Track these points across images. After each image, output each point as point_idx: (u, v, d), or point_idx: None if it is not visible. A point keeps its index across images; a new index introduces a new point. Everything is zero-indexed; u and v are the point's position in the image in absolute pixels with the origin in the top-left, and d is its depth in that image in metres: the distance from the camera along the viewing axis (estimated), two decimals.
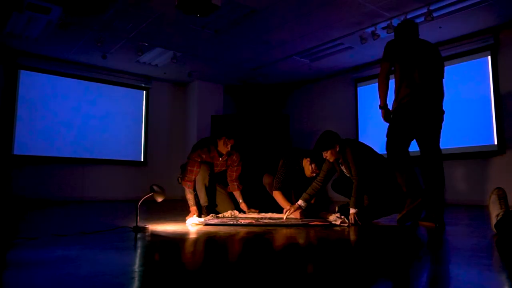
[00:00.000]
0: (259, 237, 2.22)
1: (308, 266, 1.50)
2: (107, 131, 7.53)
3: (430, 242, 2.19)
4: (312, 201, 3.58)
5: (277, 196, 3.57)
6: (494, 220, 2.23)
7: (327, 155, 3.11)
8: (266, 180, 3.97)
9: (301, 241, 2.17)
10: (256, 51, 6.42)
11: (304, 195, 3.24)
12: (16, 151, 6.54)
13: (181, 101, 8.56)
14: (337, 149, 3.08)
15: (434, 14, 4.88)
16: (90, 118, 7.36)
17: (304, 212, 3.32)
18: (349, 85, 7.48)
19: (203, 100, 8.22)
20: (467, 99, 5.79)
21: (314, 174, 3.46)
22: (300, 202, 3.23)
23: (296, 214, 3.27)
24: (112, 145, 7.55)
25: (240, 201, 3.83)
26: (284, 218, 3.16)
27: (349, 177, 3.16)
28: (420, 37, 3.50)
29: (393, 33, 5.31)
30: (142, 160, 7.93)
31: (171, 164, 8.27)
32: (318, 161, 3.41)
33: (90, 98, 7.41)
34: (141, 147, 7.97)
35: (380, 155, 3.26)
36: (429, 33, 5.60)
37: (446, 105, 3.66)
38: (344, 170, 3.17)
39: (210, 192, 3.54)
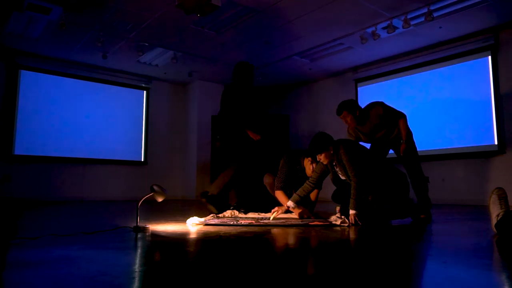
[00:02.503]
0: (259, 237, 2.22)
1: (308, 267, 1.50)
2: (107, 131, 7.54)
3: (430, 242, 2.19)
4: (314, 199, 3.58)
5: (279, 195, 3.56)
6: (494, 220, 2.23)
7: (321, 157, 3.08)
8: (266, 180, 3.96)
9: (300, 241, 2.17)
10: (256, 51, 6.42)
11: (295, 196, 3.22)
12: (16, 151, 6.54)
13: (181, 101, 8.56)
14: (331, 151, 3.06)
15: (434, 14, 4.88)
16: (90, 118, 7.36)
17: (308, 214, 3.30)
18: (349, 85, 7.48)
19: (203, 100, 8.22)
20: (467, 99, 5.80)
21: None
22: (289, 203, 3.21)
23: (297, 213, 3.26)
24: (112, 145, 7.55)
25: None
26: (271, 219, 3.14)
27: (344, 181, 3.13)
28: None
29: (394, 34, 5.33)
30: (142, 160, 7.94)
31: (171, 164, 8.27)
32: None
33: (90, 98, 7.41)
34: (141, 147, 7.97)
35: (376, 154, 3.25)
36: (429, 33, 5.61)
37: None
38: (340, 173, 3.13)
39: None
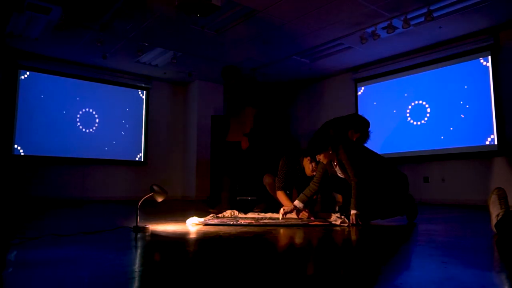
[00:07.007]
0: (259, 237, 2.22)
1: (308, 267, 1.50)
2: (107, 131, 7.53)
3: (429, 242, 2.19)
4: (314, 197, 3.58)
5: (280, 196, 3.57)
6: (494, 220, 2.22)
7: (320, 158, 3.07)
8: (266, 180, 3.97)
9: (301, 241, 2.17)
10: (256, 51, 6.42)
11: (302, 196, 3.21)
12: (16, 151, 6.54)
13: (181, 101, 8.56)
14: (330, 152, 3.05)
15: (434, 14, 4.88)
16: (90, 118, 7.36)
17: (311, 215, 3.30)
18: (349, 85, 7.48)
19: (203, 100, 8.22)
20: (467, 99, 5.80)
21: (314, 173, 3.46)
22: (296, 203, 3.20)
23: (304, 214, 3.26)
24: (112, 145, 7.55)
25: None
26: (280, 218, 3.15)
27: (341, 178, 3.13)
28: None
29: (394, 34, 5.32)
30: (142, 160, 7.94)
31: (171, 164, 8.27)
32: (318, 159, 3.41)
33: (90, 98, 7.41)
34: (141, 147, 7.97)
35: (378, 154, 3.24)
36: (429, 33, 5.61)
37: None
38: (339, 172, 3.13)
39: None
